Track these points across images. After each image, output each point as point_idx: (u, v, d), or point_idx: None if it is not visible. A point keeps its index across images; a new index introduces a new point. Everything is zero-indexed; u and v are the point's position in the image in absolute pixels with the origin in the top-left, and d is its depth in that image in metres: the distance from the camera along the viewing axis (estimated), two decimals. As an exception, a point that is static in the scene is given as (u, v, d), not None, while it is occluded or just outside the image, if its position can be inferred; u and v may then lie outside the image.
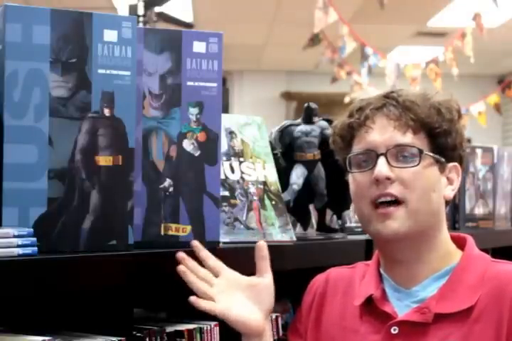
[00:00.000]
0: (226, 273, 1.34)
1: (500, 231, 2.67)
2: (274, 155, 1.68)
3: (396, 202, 1.35)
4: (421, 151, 1.36)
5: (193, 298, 1.29)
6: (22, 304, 1.30)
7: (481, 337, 1.31)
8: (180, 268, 1.30)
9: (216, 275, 1.34)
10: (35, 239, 1.14)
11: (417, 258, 1.39)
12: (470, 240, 1.44)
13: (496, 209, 2.67)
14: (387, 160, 1.35)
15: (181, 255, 1.31)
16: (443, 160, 1.39)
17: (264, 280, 1.36)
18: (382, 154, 1.36)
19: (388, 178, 1.34)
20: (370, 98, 1.43)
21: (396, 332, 1.36)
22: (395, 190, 1.34)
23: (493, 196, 2.64)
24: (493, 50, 9.12)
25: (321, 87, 9.60)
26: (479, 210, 2.57)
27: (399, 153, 1.36)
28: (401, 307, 1.39)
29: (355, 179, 1.39)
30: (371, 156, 1.37)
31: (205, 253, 1.33)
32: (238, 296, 1.34)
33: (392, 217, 1.34)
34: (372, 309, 1.41)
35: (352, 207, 2.01)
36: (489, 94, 8.05)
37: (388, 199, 1.35)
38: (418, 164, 1.35)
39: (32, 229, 1.15)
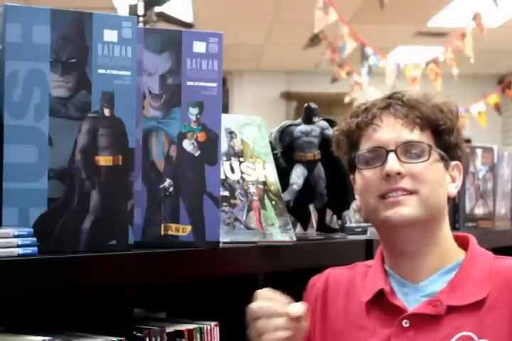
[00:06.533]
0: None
1: (500, 231, 2.66)
2: (274, 155, 1.68)
3: (407, 193, 1.38)
4: (430, 147, 1.40)
5: None
6: (22, 304, 1.30)
7: (494, 327, 1.34)
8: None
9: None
10: (35, 239, 1.14)
11: (420, 252, 1.41)
12: (472, 238, 1.48)
13: (496, 209, 2.66)
14: (398, 156, 1.39)
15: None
16: (447, 157, 1.43)
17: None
18: (392, 150, 1.39)
19: (399, 173, 1.37)
20: (373, 100, 1.47)
21: (407, 325, 1.38)
22: (406, 184, 1.38)
23: (493, 196, 2.64)
24: (493, 50, 9.12)
25: (321, 87, 9.60)
26: (479, 210, 2.57)
27: (408, 149, 1.40)
28: (409, 302, 1.41)
29: (364, 175, 1.42)
30: (381, 153, 1.40)
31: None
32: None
33: (403, 204, 1.37)
34: (381, 304, 1.43)
35: (352, 207, 2.00)
36: (489, 94, 8.06)
37: (399, 193, 1.37)
38: (428, 159, 1.39)
39: (32, 229, 1.15)
